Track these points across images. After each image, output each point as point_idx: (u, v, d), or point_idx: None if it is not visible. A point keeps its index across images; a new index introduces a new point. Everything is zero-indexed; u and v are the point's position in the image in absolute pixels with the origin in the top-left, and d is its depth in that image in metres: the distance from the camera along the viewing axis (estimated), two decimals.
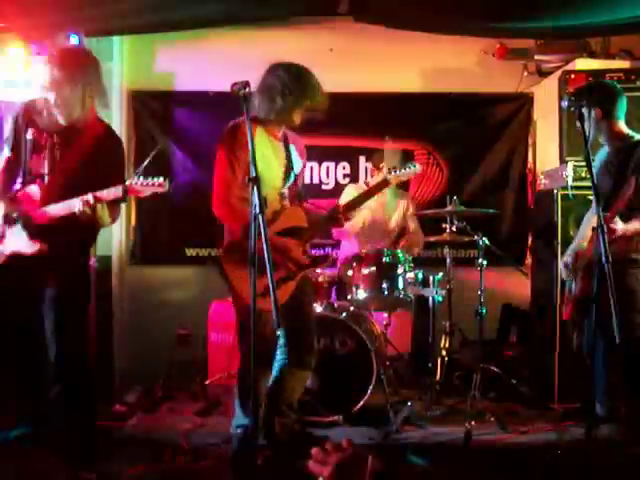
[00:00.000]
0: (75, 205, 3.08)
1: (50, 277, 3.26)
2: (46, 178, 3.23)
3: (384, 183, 3.72)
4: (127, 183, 3.10)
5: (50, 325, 3.27)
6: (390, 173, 3.70)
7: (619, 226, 3.47)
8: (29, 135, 3.24)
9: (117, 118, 5.64)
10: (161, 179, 3.12)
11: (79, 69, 3.20)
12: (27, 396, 3.50)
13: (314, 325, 3.74)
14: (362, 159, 5.72)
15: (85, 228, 3.25)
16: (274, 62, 3.49)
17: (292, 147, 3.65)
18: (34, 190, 3.21)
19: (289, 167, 3.59)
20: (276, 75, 3.42)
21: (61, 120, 3.23)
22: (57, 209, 3.14)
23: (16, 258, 3.22)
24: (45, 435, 3.45)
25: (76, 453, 3.30)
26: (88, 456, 3.36)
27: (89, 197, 3.07)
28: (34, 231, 3.19)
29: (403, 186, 5.65)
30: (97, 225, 3.28)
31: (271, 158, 3.50)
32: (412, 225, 5.27)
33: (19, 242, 3.21)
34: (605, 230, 3.00)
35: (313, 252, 5.66)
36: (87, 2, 4.49)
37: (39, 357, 3.36)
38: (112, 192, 3.09)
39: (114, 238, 5.64)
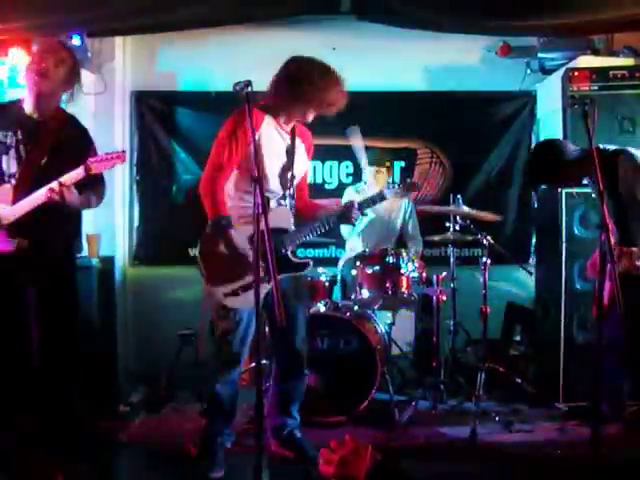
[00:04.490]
0: (42, 194, 3.15)
1: (33, 277, 3.31)
2: (16, 175, 3.28)
3: (380, 196, 3.61)
4: (87, 162, 3.18)
5: (36, 325, 3.33)
6: (389, 188, 3.68)
7: None
8: None
9: (119, 118, 5.65)
10: (120, 151, 3.26)
11: (60, 63, 3.29)
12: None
13: (301, 329, 3.57)
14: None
15: (61, 220, 3.36)
16: (296, 55, 3.41)
17: (299, 143, 3.55)
18: (7, 189, 3.26)
19: (289, 166, 3.47)
20: (298, 67, 3.35)
21: (35, 115, 3.33)
22: (26, 202, 3.19)
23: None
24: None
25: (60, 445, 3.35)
26: (72, 448, 3.39)
27: (54, 184, 3.15)
28: (12, 229, 3.22)
29: None
30: (73, 209, 3.37)
31: (273, 154, 3.38)
32: (410, 226, 5.26)
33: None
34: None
35: (314, 252, 5.69)
36: (89, 3, 4.48)
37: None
38: (74, 175, 3.18)
39: (117, 238, 5.65)
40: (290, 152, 3.47)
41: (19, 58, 4.75)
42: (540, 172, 3.73)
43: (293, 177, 3.49)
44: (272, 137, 3.39)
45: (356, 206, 3.49)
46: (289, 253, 3.42)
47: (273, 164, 3.39)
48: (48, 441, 3.37)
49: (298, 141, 3.54)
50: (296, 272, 3.46)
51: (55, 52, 3.31)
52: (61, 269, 3.49)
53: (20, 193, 3.23)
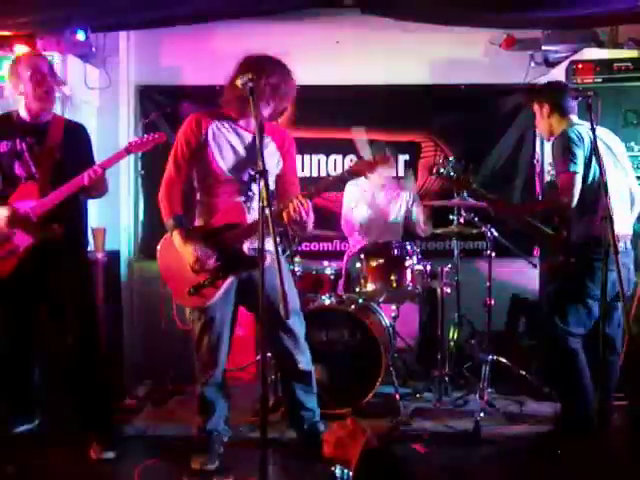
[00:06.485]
0: (82, 178, 3.40)
1: (54, 266, 3.53)
2: (36, 175, 3.52)
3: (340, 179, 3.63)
4: (129, 143, 3.54)
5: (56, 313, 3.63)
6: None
7: None
8: (2, 148, 3.53)
9: (124, 113, 5.67)
10: (157, 135, 3.61)
11: (51, 72, 3.60)
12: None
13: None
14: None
15: (82, 210, 3.73)
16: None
17: (269, 141, 3.43)
18: (28, 188, 3.50)
19: (248, 164, 3.35)
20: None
21: (37, 120, 3.57)
22: (60, 192, 3.42)
23: (31, 251, 3.48)
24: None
25: (93, 430, 3.61)
26: (105, 434, 3.62)
27: (95, 167, 3.44)
28: (44, 219, 3.44)
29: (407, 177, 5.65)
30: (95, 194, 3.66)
31: (225, 153, 3.34)
32: (416, 212, 5.24)
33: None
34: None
35: (319, 246, 5.70)
36: None
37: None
38: (115, 157, 3.50)
39: (123, 233, 5.67)
40: (250, 150, 3.35)
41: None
42: None
43: (257, 175, 3.19)
44: (224, 136, 3.37)
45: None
46: (245, 248, 3.31)
47: (226, 162, 3.34)
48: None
49: (267, 139, 3.42)
50: (251, 269, 3.29)
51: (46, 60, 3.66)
52: (84, 255, 3.83)
53: (44, 189, 3.46)
